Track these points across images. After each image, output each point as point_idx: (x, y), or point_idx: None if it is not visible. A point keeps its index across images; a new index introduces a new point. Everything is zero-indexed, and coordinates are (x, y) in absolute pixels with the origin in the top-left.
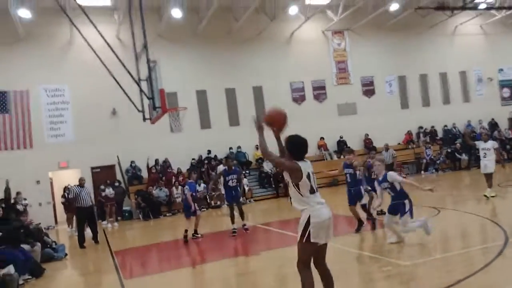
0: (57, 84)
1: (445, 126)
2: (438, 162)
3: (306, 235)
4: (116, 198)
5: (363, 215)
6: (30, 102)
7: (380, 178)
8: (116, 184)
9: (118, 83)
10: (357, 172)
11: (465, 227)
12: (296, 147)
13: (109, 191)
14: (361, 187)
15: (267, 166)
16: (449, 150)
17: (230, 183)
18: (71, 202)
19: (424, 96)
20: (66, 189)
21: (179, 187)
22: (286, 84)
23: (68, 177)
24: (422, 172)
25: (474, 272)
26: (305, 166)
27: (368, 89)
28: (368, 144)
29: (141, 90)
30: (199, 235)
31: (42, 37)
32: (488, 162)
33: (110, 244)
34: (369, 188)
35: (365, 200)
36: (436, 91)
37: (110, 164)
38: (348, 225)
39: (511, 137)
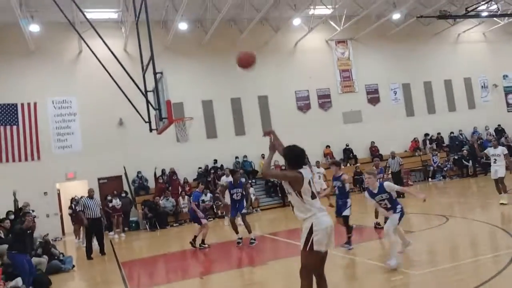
0: (64, 96)
1: (451, 133)
2: (445, 169)
3: (309, 244)
4: (123, 209)
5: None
6: (38, 114)
7: (376, 191)
8: (123, 194)
9: (125, 94)
10: (346, 185)
11: (475, 235)
12: (294, 157)
13: (116, 202)
14: (348, 199)
15: None
16: (456, 157)
17: (234, 197)
18: (78, 214)
19: (429, 103)
20: (73, 200)
21: (186, 197)
22: (291, 93)
23: (75, 188)
24: (429, 179)
25: (485, 281)
26: (305, 173)
27: (373, 97)
28: (375, 152)
29: (147, 102)
30: (206, 246)
31: (51, 51)
32: (499, 168)
33: (117, 255)
34: None
35: (348, 212)
36: (441, 98)
37: (117, 174)
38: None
39: None
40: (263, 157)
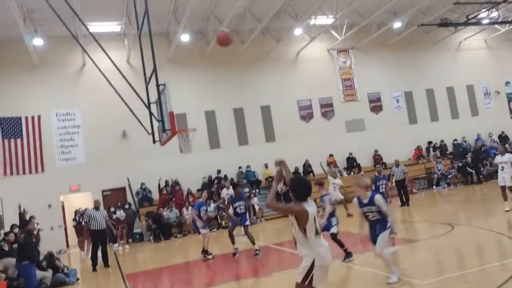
0: (68, 109)
1: (455, 140)
2: (449, 176)
3: (309, 279)
4: (127, 221)
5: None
6: (42, 126)
7: (366, 201)
8: (127, 206)
9: (128, 106)
10: (328, 205)
11: (481, 243)
12: (300, 189)
13: (120, 214)
14: (333, 218)
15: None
16: (460, 164)
17: (238, 210)
18: (83, 226)
19: (432, 111)
20: (77, 212)
21: (190, 207)
22: (294, 102)
23: (79, 201)
24: (434, 187)
25: None
26: (311, 209)
27: (376, 105)
28: (378, 160)
29: (150, 113)
30: (210, 256)
31: (54, 64)
32: (506, 175)
33: (122, 268)
34: None
35: (335, 229)
36: (444, 105)
37: (120, 186)
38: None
39: None
40: (266, 167)
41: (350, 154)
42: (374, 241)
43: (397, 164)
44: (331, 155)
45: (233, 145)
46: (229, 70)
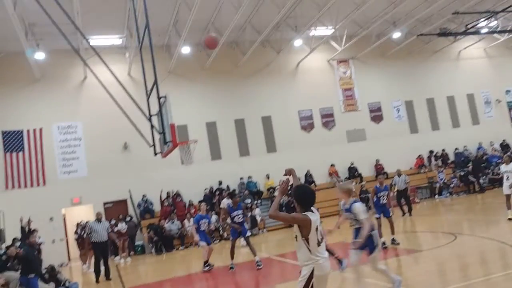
0: (70, 122)
1: (456, 149)
2: (451, 185)
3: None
4: (129, 233)
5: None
6: (43, 139)
7: (347, 206)
8: (128, 218)
9: (129, 119)
10: None
11: (484, 253)
12: (303, 197)
13: (122, 226)
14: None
15: None
16: (462, 173)
17: (236, 219)
18: (84, 238)
19: (432, 120)
20: (79, 225)
21: (191, 219)
22: (295, 112)
23: (81, 213)
24: (436, 196)
25: None
26: (314, 219)
27: (376, 115)
28: (380, 170)
29: (152, 126)
30: (207, 268)
31: (56, 78)
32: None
33: (123, 281)
34: (377, 215)
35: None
36: (445, 114)
37: (122, 198)
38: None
39: None
40: (268, 178)
41: (352, 164)
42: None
43: (399, 173)
44: (332, 165)
45: (234, 156)
46: (230, 81)
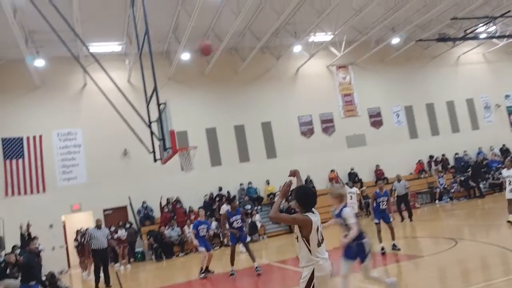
0: (69, 128)
1: (456, 154)
2: (452, 190)
3: None
4: (128, 240)
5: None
6: (43, 146)
7: (337, 212)
8: (128, 225)
9: (129, 125)
10: None
11: (486, 258)
12: (305, 197)
13: (122, 233)
14: None
15: None
16: (462, 178)
17: (234, 224)
18: (84, 245)
19: (432, 125)
20: (78, 232)
21: (191, 225)
22: (294, 118)
23: (81, 220)
24: (437, 201)
25: None
26: (315, 219)
27: (376, 120)
28: (380, 175)
29: (151, 132)
30: (203, 275)
31: (56, 85)
32: None
33: None
34: (377, 220)
35: None
36: (444, 119)
37: (122, 205)
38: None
39: None
40: (268, 183)
41: (352, 169)
42: (347, 256)
43: (398, 179)
44: (332, 171)
45: (234, 162)
46: (229, 87)
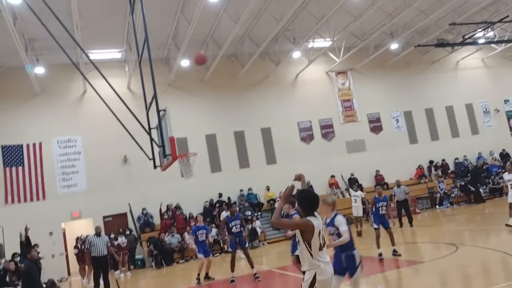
0: (69, 135)
1: (456, 159)
2: (452, 195)
3: None
4: (128, 247)
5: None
6: (43, 154)
7: (328, 220)
8: (128, 232)
9: (129, 132)
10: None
11: (486, 264)
12: (307, 201)
13: (122, 240)
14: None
15: None
16: (462, 183)
17: (233, 229)
18: (84, 253)
19: (432, 130)
20: (78, 239)
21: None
22: (294, 124)
23: (80, 227)
24: (437, 206)
25: None
26: (317, 223)
27: (376, 125)
28: (380, 181)
29: (151, 139)
30: (197, 281)
31: (56, 92)
32: None
33: None
34: (376, 226)
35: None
36: (444, 124)
37: (122, 212)
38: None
39: None
40: (268, 189)
41: (352, 174)
42: (337, 270)
43: (398, 184)
44: (332, 176)
45: (234, 168)
46: (229, 93)
